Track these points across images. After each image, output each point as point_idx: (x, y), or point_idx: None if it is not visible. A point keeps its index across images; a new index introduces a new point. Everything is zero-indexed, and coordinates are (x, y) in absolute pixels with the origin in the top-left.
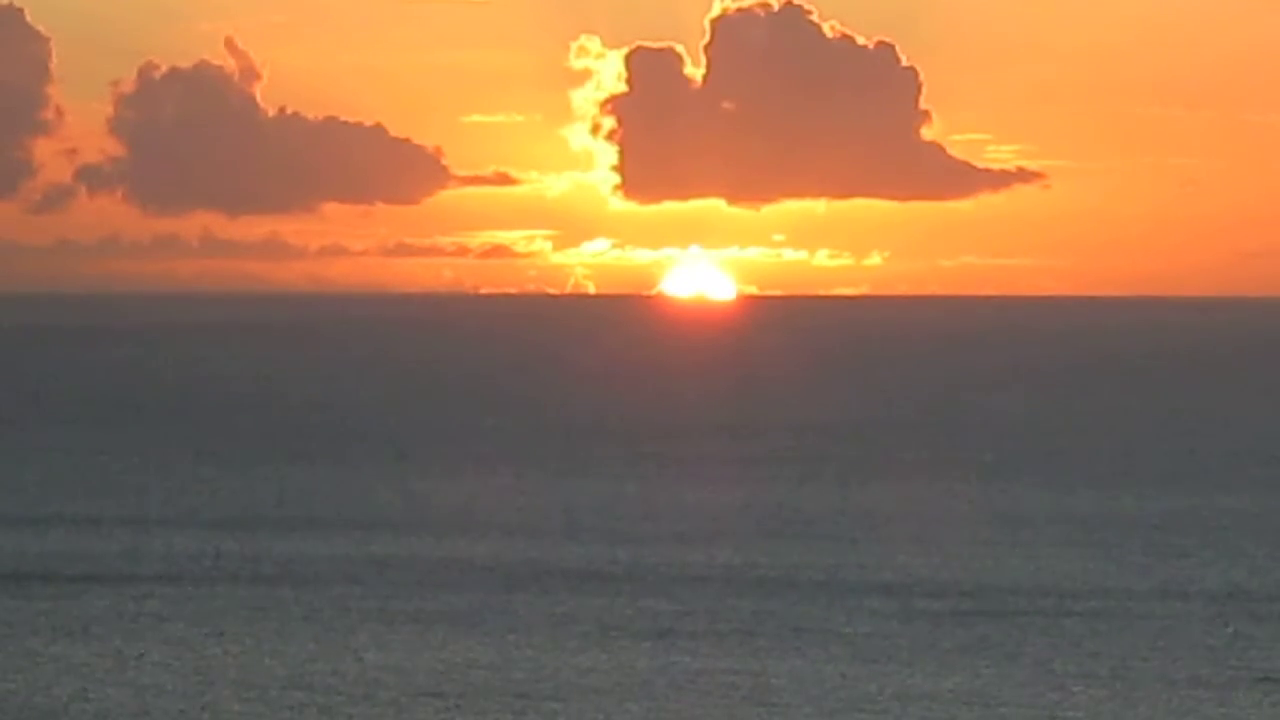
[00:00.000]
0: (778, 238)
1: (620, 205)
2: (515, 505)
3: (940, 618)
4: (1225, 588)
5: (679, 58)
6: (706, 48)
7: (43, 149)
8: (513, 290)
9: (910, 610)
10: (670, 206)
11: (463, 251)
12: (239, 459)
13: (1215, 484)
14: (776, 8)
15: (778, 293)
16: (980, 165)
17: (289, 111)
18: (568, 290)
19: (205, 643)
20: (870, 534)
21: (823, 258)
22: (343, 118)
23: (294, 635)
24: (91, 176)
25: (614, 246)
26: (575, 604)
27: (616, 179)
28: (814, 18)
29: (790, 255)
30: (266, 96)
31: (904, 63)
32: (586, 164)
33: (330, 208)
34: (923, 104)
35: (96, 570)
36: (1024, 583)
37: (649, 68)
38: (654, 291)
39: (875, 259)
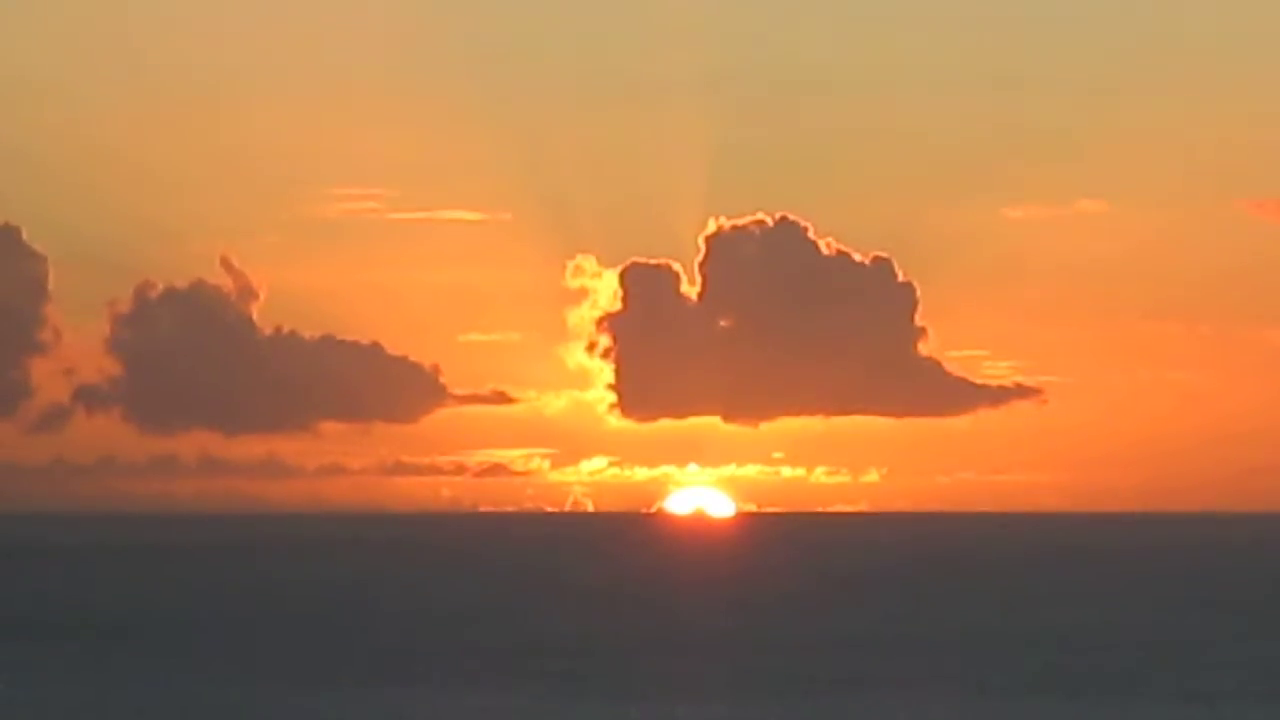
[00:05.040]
0: (776, 455)
1: (617, 423)
2: None
3: None
4: None
5: (674, 275)
6: (701, 264)
7: (40, 369)
8: (511, 508)
9: None
10: (667, 424)
11: (461, 470)
12: (235, 678)
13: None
14: (771, 224)
15: (776, 510)
16: (978, 381)
17: (285, 330)
18: (567, 508)
19: None
20: None
21: (820, 474)
22: (340, 336)
23: None
24: (89, 396)
25: (612, 464)
26: None
27: (613, 397)
28: (810, 233)
29: (788, 472)
30: (263, 315)
31: (901, 278)
32: (583, 382)
33: (328, 426)
34: (919, 320)
35: None
36: None
37: (644, 285)
38: (653, 509)
39: (873, 475)
